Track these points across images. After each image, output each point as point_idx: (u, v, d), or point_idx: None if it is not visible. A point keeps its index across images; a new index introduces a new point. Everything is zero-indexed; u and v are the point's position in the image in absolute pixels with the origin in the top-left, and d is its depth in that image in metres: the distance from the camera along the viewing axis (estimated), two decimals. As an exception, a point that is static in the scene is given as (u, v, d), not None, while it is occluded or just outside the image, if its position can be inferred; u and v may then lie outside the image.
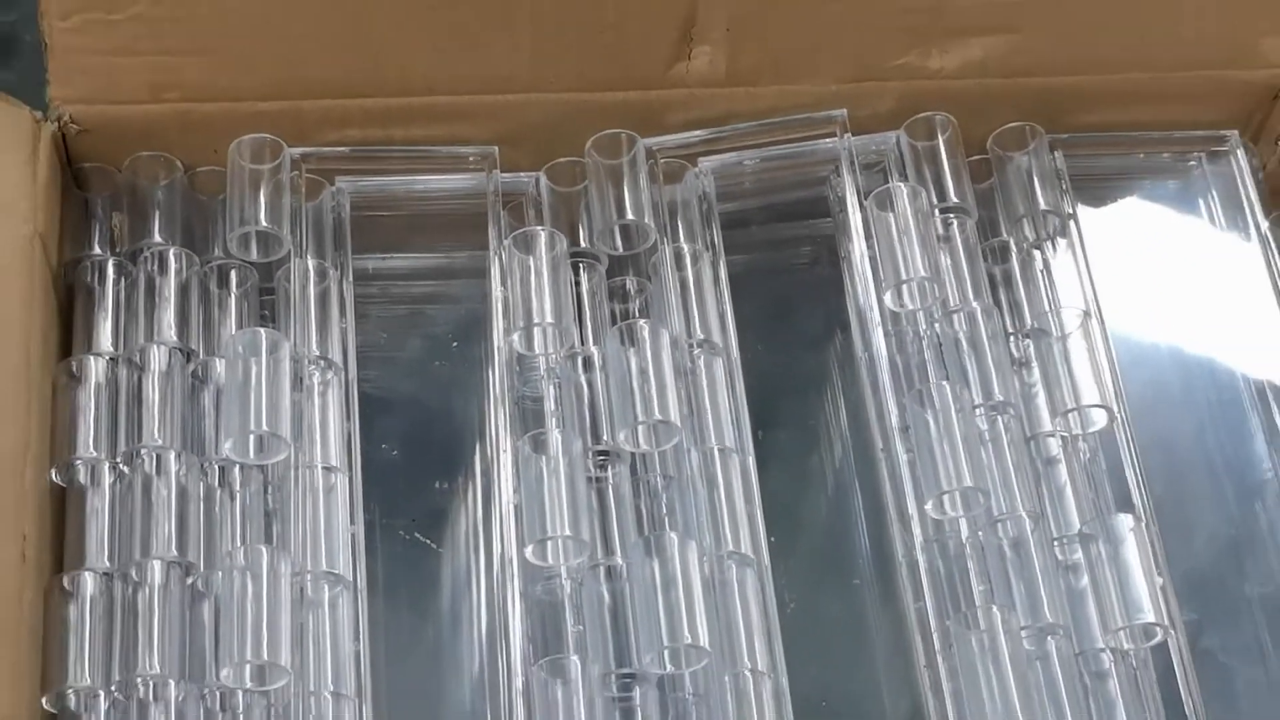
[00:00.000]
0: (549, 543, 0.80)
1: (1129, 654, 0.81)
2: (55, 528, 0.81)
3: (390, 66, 0.89)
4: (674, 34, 0.89)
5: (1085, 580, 0.82)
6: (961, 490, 0.81)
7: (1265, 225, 0.93)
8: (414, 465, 0.89)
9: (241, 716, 0.77)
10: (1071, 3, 0.90)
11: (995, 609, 0.78)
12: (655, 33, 0.89)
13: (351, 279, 0.90)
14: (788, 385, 0.93)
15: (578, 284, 0.90)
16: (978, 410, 0.84)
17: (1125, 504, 0.84)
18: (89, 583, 0.79)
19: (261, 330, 0.83)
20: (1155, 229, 0.97)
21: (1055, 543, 0.83)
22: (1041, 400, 0.87)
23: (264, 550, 0.77)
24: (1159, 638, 0.80)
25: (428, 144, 0.91)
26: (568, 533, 0.80)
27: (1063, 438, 0.86)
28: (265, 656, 0.75)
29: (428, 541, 0.87)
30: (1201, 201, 0.97)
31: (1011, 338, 0.89)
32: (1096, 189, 0.96)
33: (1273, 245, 0.92)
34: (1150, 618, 0.80)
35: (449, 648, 0.84)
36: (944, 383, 0.84)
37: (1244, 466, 0.90)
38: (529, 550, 0.80)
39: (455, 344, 0.92)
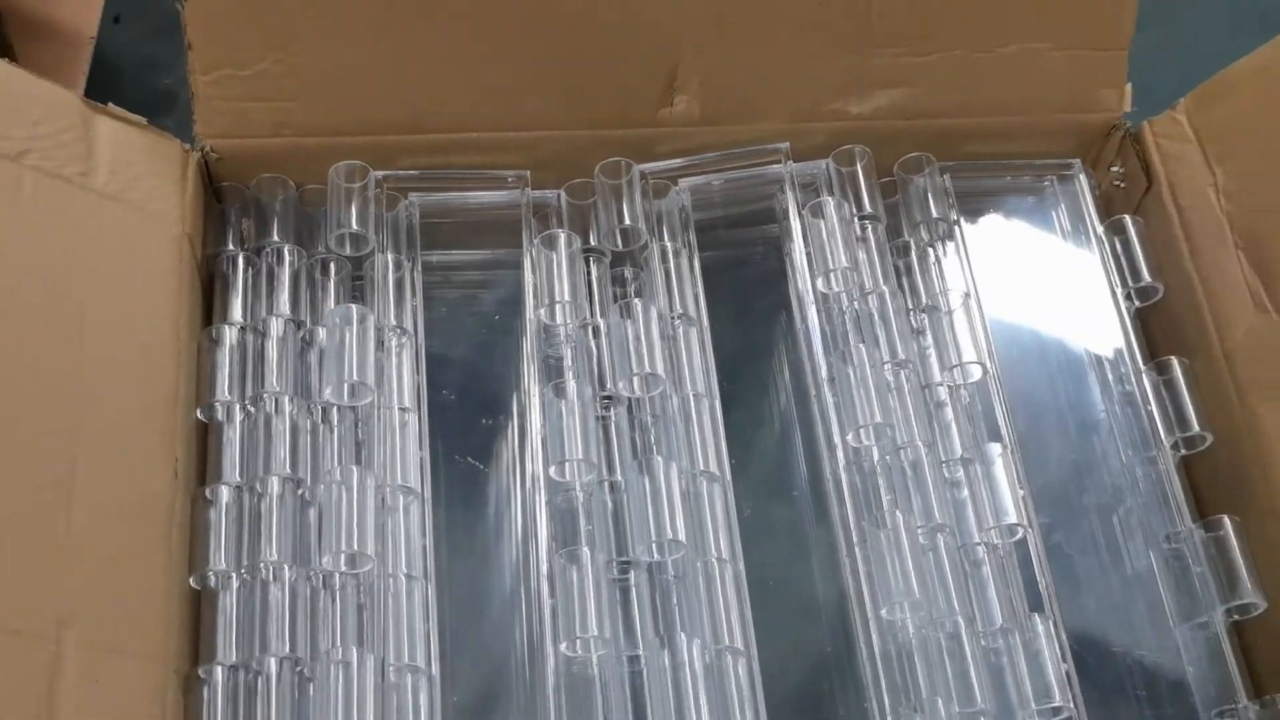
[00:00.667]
0: (567, 464, 0.80)
1: (997, 547, 0.81)
2: (199, 454, 0.81)
3: (449, 110, 0.89)
4: (661, 87, 0.89)
5: (966, 493, 0.83)
6: (874, 425, 0.81)
7: (1100, 230, 0.92)
8: (466, 407, 0.89)
9: (338, 592, 0.77)
10: (955, 65, 0.90)
11: (899, 513, 0.78)
12: (647, 86, 0.89)
13: (420, 269, 0.89)
14: (745, 349, 0.92)
15: (589, 272, 0.90)
16: (886, 366, 0.84)
17: (995, 436, 0.84)
18: (224, 493, 0.79)
19: (353, 306, 0.83)
20: (1019, 233, 0.97)
21: (943, 464, 0.83)
22: (934, 358, 0.87)
23: (355, 469, 0.77)
24: (1020, 535, 0.80)
25: (477, 169, 0.91)
26: (580, 457, 0.80)
27: (949, 387, 0.86)
28: (355, 547, 0.75)
29: (477, 464, 0.87)
30: (1053, 213, 0.96)
31: (911, 313, 0.89)
32: (975, 203, 0.95)
33: (1105, 246, 0.92)
34: (1014, 520, 0.80)
35: (493, 543, 0.84)
36: (860, 345, 0.84)
37: (1084, 409, 0.90)
38: (552, 470, 0.80)
39: (497, 317, 0.92)
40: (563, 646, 0.75)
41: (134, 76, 1.27)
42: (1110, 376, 0.90)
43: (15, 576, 0.66)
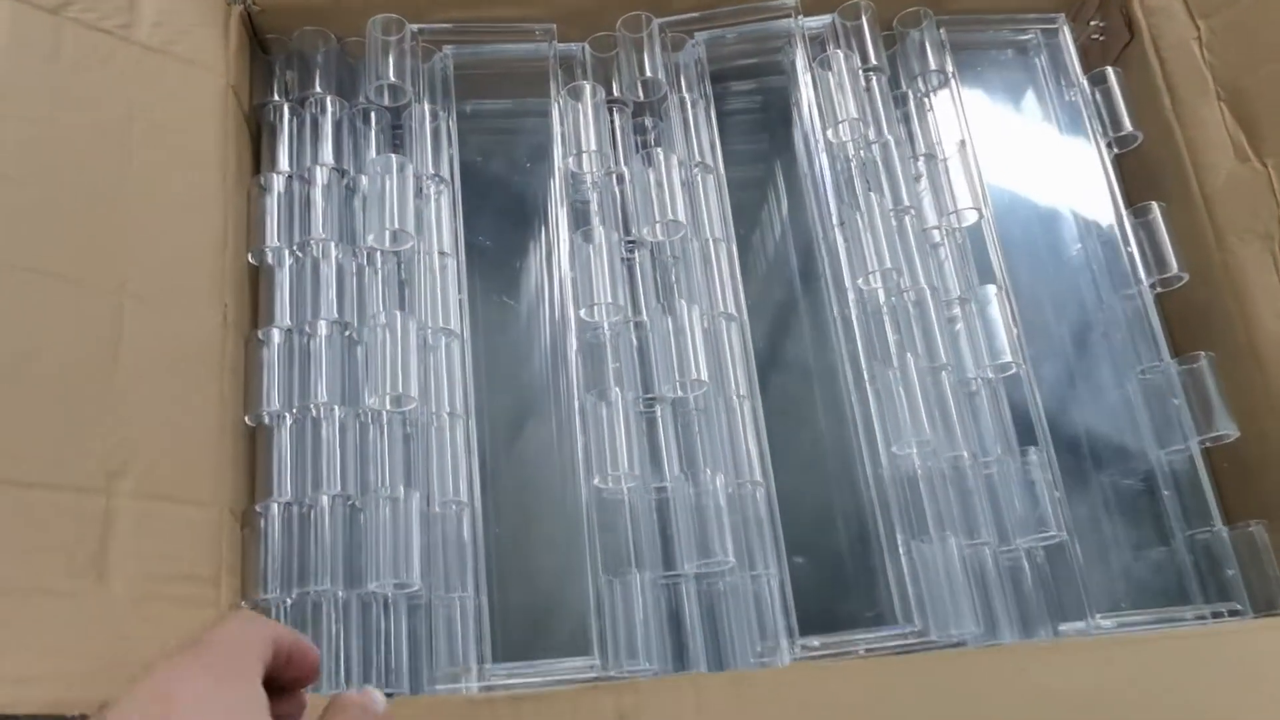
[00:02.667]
0: (595, 307, 0.62)
1: (991, 381, 0.63)
2: (251, 298, 0.63)
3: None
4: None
5: (961, 330, 0.65)
6: (882, 270, 0.63)
7: (1082, 78, 0.72)
8: (501, 251, 0.69)
9: (385, 428, 0.59)
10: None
11: (907, 354, 0.61)
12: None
13: (455, 118, 0.69)
14: (752, 196, 0.72)
15: (612, 122, 0.69)
16: (890, 213, 0.65)
17: (988, 277, 0.66)
18: (275, 336, 0.61)
19: (393, 156, 0.63)
20: (1006, 85, 0.76)
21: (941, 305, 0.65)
22: (930, 204, 0.68)
23: (398, 314, 0.59)
24: (1013, 371, 0.63)
25: (508, 21, 0.69)
26: (609, 300, 0.61)
27: (945, 230, 0.67)
28: (400, 389, 0.57)
29: (511, 303, 0.68)
30: (1037, 63, 0.76)
31: (910, 160, 0.69)
32: (966, 56, 0.74)
33: (1086, 93, 0.72)
34: (1009, 358, 0.63)
35: (525, 377, 0.66)
36: (870, 193, 0.65)
37: (1066, 250, 0.71)
38: (582, 312, 0.62)
39: (528, 164, 0.72)
40: (595, 480, 0.58)
41: None
42: (1091, 220, 0.71)
43: (64, 433, 0.49)
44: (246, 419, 0.58)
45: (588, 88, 0.67)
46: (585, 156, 0.66)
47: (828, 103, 0.68)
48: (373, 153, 0.67)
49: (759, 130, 0.74)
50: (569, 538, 0.59)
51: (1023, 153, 0.73)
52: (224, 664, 0.38)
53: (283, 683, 0.40)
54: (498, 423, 0.64)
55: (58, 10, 0.56)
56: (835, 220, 0.65)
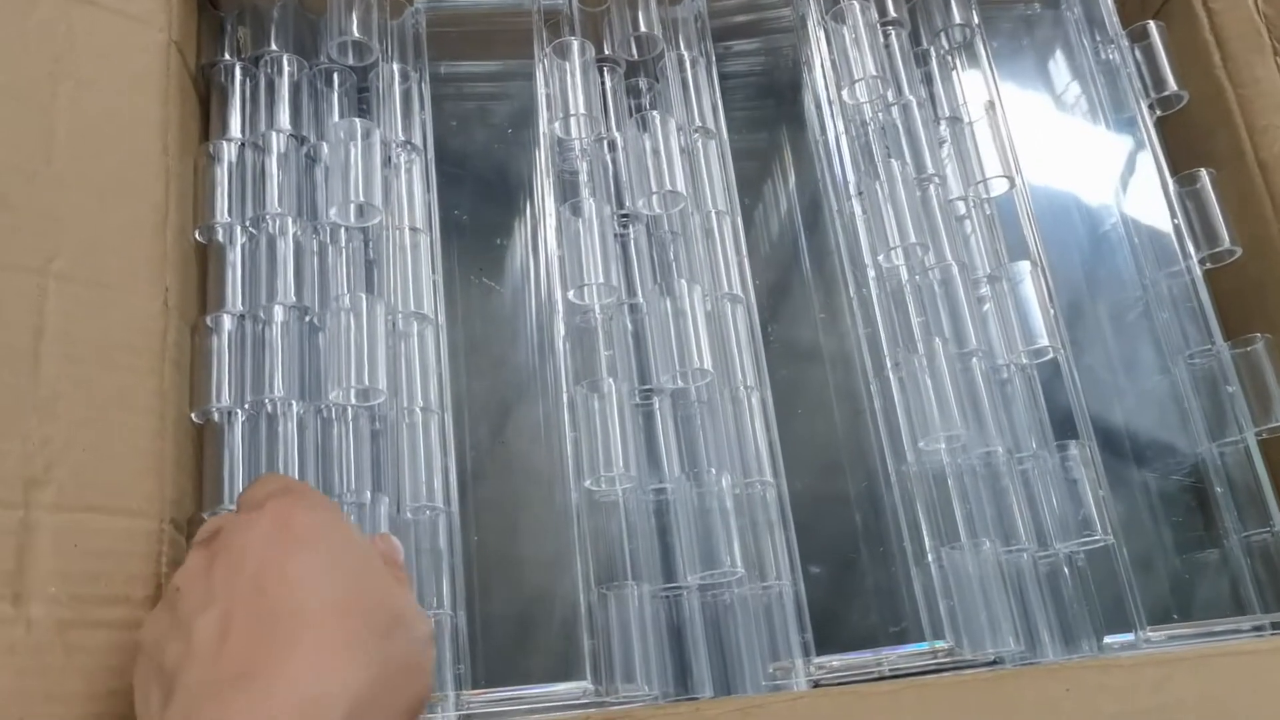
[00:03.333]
0: (586, 288, 0.56)
1: (1025, 367, 0.57)
2: (199, 280, 0.56)
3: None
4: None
5: (990, 309, 0.59)
6: (905, 245, 0.57)
7: (1120, 32, 0.66)
8: (480, 226, 0.63)
9: (350, 426, 0.53)
10: None
11: (935, 340, 0.55)
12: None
13: (428, 80, 0.62)
14: (759, 165, 0.66)
15: (603, 83, 0.63)
16: (914, 181, 0.59)
17: (1019, 253, 0.60)
18: (226, 322, 0.54)
19: (358, 120, 0.57)
20: (1039, 39, 0.70)
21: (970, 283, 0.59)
22: (955, 172, 0.62)
23: (364, 297, 0.53)
24: (1050, 356, 0.57)
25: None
26: (601, 280, 0.55)
27: (974, 202, 0.61)
28: (366, 381, 0.51)
29: (492, 284, 0.62)
30: (1071, 15, 0.69)
31: (934, 124, 0.63)
32: (997, 9, 0.69)
33: (1125, 49, 0.66)
34: (1045, 342, 0.57)
35: (509, 365, 0.60)
36: (891, 160, 0.59)
37: (1105, 224, 0.66)
38: (570, 293, 0.56)
39: (509, 130, 0.66)
40: (587, 482, 0.52)
41: None
42: (1132, 190, 0.65)
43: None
44: (193, 416, 0.52)
45: (575, 45, 0.61)
46: (573, 120, 0.60)
47: (843, 60, 0.61)
48: (335, 118, 0.61)
49: (766, 94, 0.68)
50: (558, 546, 0.53)
51: (1056, 116, 0.67)
52: (329, 504, 0.41)
53: None
54: (478, 418, 0.58)
55: (-29, -46, 0.50)
56: (853, 190, 0.59)
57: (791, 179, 0.67)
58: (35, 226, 0.48)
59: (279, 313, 0.55)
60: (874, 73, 0.60)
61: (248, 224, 0.57)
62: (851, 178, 0.60)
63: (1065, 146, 0.67)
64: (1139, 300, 0.63)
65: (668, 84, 0.63)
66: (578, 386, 0.54)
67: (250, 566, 0.37)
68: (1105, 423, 0.60)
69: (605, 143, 0.62)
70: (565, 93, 0.60)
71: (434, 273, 0.57)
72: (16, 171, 0.48)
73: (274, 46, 0.61)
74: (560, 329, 0.56)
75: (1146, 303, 0.63)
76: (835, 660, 0.51)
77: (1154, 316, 0.62)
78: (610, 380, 0.54)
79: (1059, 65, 0.69)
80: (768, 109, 0.68)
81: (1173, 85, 0.65)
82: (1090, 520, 0.53)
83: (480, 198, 0.63)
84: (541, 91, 0.61)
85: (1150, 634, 0.53)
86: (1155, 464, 0.60)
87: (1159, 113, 0.66)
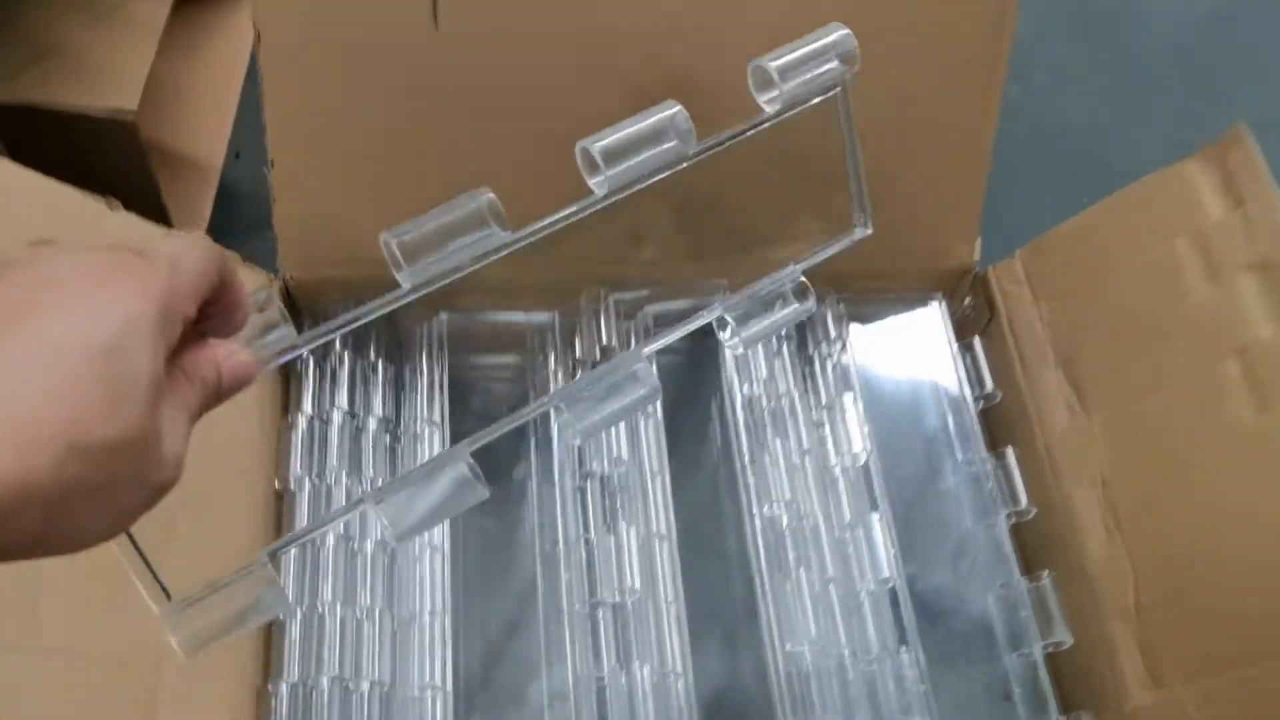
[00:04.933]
0: (558, 543, 0.79)
1: (874, 591, 0.79)
2: (276, 521, 0.80)
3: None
4: (627, 240, 0.87)
5: (851, 549, 0.81)
6: (784, 501, 0.80)
7: (954, 346, 0.92)
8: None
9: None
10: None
11: (801, 569, 0.77)
12: (616, 240, 0.87)
13: (447, 372, 0.88)
14: (689, 433, 0.91)
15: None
16: (794, 452, 0.83)
17: (875, 505, 0.83)
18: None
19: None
20: (895, 349, 0.95)
21: (836, 528, 0.82)
22: (830, 446, 0.86)
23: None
24: (891, 584, 0.79)
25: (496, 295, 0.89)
26: (560, 537, 0.78)
27: (841, 468, 0.85)
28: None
29: (489, 528, 0.85)
30: (921, 334, 0.95)
31: (813, 409, 0.87)
32: (864, 325, 0.94)
33: (957, 353, 0.91)
34: (886, 574, 0.79)
35: (503, 585, 0.82)
36: (776, 439, 0.83)
37: (941, 484, 0.89)
38: (546, 544, 0.79)
39: (505, 408, 0.91)
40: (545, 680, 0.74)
41: (248, 198, 1.24)
42: (961, 460, 0.89)
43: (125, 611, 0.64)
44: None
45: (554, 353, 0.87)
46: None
47: (744, 364, 0.87)
48: (378, 401, 0.85)
49: (694, 375, 0.93)
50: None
51: (906, 405, 0.92)
52: (136, 273, 0.33)
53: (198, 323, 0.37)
54: (474, 618, 0.79)
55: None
56: (748, 459, 0.83)
57: (717, 444, 0.91)
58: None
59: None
60: (765, 376, 0.86)
61: (313, 477, 0.81)
62: (747, 450, 0.84)
63: (916, 423, 0.91)
64: (969, 542, 0.86)
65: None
66: (548, 600, 0.76)
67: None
68: (940, 633, 0.81)
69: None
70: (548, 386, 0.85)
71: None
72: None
73: (337, 346, 0.86)
74: (539, 560, 0.78)
75: (972, 544, 0.85)
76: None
77: (976, 556, 0.85)
78: (565, 595, 0.76)
79: (915, 364, 0.94)
80: (696, 386, 0.93)
81: (990, 385, 0.90)
82: (911, 707, 0.74)
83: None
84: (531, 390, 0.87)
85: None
86: (976, 667, 0.81)
87: (982, 405, 0.90)
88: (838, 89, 0.67)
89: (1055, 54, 1.41)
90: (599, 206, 0.59)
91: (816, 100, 0.66)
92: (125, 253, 0.34)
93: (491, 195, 0.54)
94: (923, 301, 0.95)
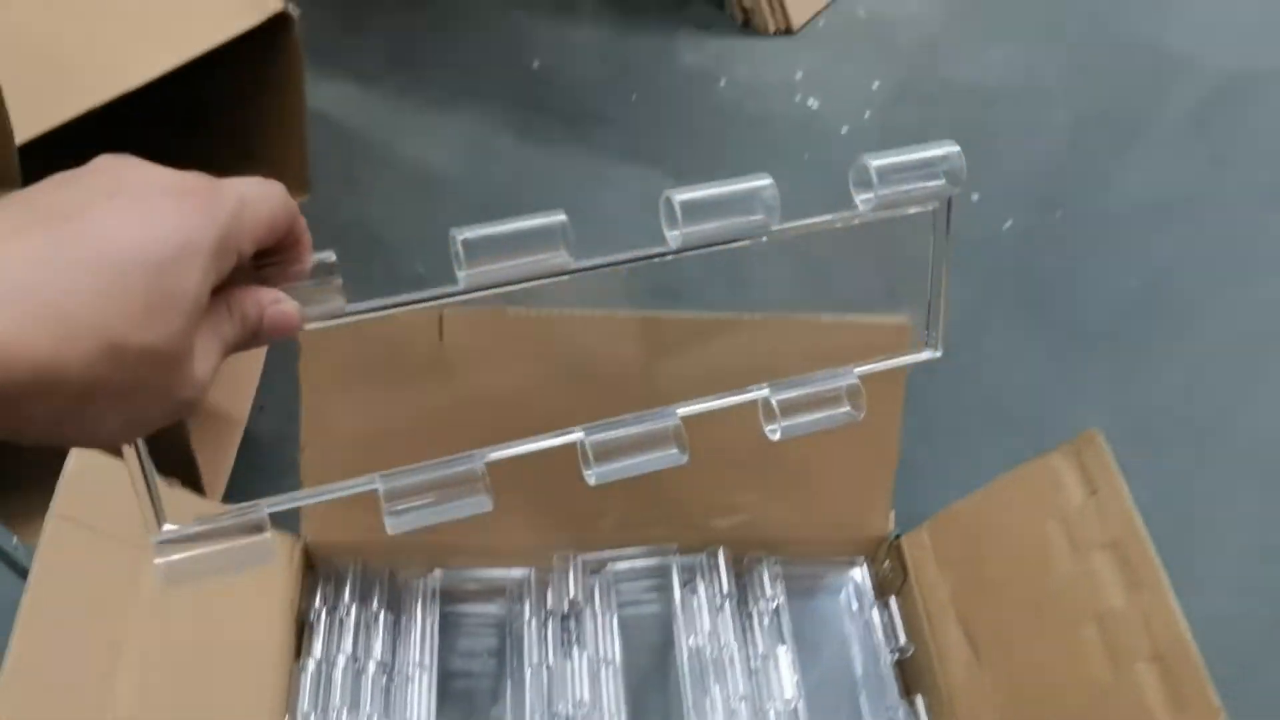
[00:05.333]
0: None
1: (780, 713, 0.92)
2: (285, 747, 0.93)
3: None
4: (593, 510, 1.05)
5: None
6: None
7: (873, 605, 1.07)
8: (477, 697, 1.00)
9: None
10: (784, 500, 1.06)
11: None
12: (586, 511, 1.05)
13: (437, 619, 1.03)
14: (647, 679, 1.05)
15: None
16: (732, 697, 0.97)
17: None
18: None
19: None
20: (822, 605, 1.10)
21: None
22: (765, 692, 1.00)
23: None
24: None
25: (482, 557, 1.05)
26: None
27: (775, 711, 0.99)
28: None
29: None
30: (845, 592, 1.11)
31: (750, 659, 1.02)
32: (795, 584, 1.10)
33: (876, 613, 1.06)
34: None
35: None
36: (715, 685, 0.97)
37: (858, 709, 1.03)
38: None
39: (491, 657, 1.05)
40: None
41: (271, 449, 1.38)
42: (881, 705, 1.02)
43: None
44: None
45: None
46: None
47: (690, 619, 1.02)
48: (378, 646, 1.00)
49: (648, 629, 1.08)
50: None
51: (833, 656, 1.07)
52: (202, 200, 0.35)
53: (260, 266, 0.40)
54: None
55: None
56: (691, 704, 0.97)
57: (667, 686, 1.04)
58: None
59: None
60: (709, 629, 1.01)
61: (318, 713, 0.94)
62: (690, 695, 0.98)
63: (840, 674, 1.05)
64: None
65: (584, 629, 1.03)
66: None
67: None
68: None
69: (545, 667, 1.00)
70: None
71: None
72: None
73: (346, 599, 1.02)
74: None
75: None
76: None
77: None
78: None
79: (840, 619, 1.09)
80: (653, 638, 1.08)
81: (903, 639, 1.04)
82: None
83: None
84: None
85: None
86: None
87: (897, 656, 1.05)
88: (936, 203, 0.62)
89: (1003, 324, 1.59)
90: (669, 257, 0.56)
91: (914, 210, 0.62)
92: (199, 180, 0.36)
93: (565, 218, 0.51)
94: (849, 564, 1.11)
